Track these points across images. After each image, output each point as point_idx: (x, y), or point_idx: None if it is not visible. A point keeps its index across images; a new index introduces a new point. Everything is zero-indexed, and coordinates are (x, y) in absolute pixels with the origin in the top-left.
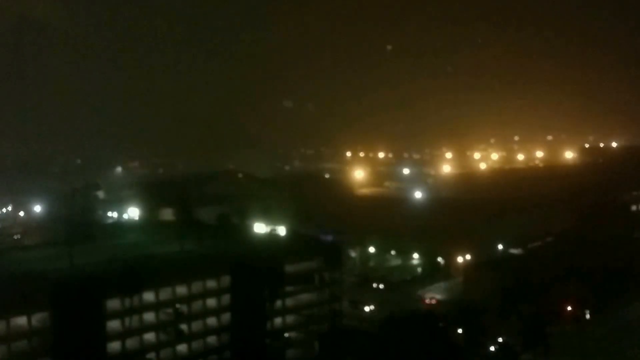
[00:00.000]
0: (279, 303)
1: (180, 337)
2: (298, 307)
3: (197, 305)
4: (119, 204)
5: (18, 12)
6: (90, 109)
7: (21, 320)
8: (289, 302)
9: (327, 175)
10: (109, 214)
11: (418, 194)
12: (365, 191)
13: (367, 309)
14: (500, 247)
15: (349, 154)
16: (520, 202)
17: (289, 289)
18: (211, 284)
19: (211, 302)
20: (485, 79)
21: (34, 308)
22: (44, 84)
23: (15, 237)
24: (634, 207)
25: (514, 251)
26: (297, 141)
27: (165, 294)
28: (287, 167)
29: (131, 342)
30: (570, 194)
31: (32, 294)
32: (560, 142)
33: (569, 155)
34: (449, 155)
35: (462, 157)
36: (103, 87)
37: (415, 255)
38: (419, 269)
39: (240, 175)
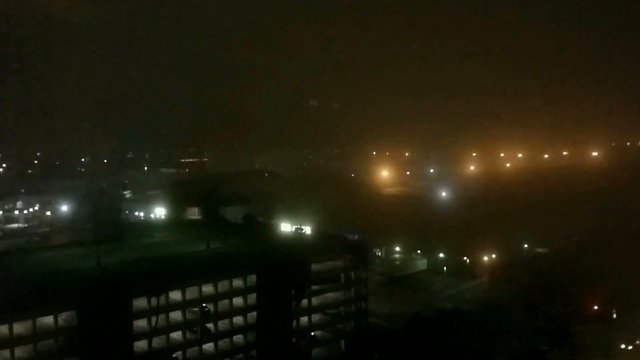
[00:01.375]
0: (305, 302)
1: (207, 336)
2: (324, 306)
3: (223, 304)
4: (146, 203)
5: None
6: (118, 109)
7: (48, 320)
8: (315, 301)
9: (352, 175)
10: (136, 213)
11: (443, 193)
12: (390, 190)
13: (392, 307)
14: (526, 246)
15: (374, 153)
16: (546, 201)
17: (315, 287)
18: (237, 282)
19: (237, 301)
20: (512, 76)
21: (61, 307)
22: (72, 83)
23: (42, 236)
24: None
25: (540, 250)
26: (323, 141)
27: (191, 293)
28: (312, 167)
29: (158, 341)
30: (597, 193)
31: (59, 293)
32: (587, 141)
33: (595, 154)
34: (473, 154)
35: (487, 156)
36: (131, 87)
37: (441, 255)
38: (445, 268)
39: (266, 175)
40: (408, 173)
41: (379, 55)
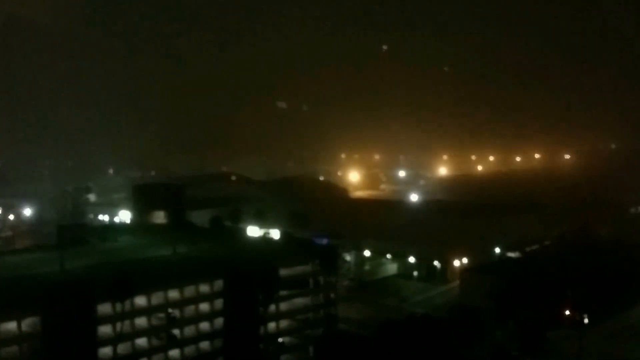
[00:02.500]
0: (273, 307)
1: (173, 342)
2: (292, 312)
3: (189, 309)
4: (111, 207)
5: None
6: (82, 111)
7: (11, 325)
8: (283, 306)
9: (322, 178)
10: (100, 217)
11: (414, 197)
12: (360, 194)
13: (362, 313)
14: (497, 250)
15: (344, 156)
16: (518, 205)
17: (283, 293)
18: (204, 288)
19: (204, 306)
20: (483, 80)
21: (24, 312)
22: (35, 85)
23: (5, 240)
24: (632, 210)
25: (511, 255)
26: (292, 143)
27: (157, 298)
28: (281, 170)
29: (123, 347)
30: (569, 196)
31: (22, 298)
32: (559, 145)
33: (567, 157)
34: (445, 157)
35: (458, 159)
36: (95, 88)
37: (411, 259)
38: (415, 273)
39: (233, 178)
40: (378, 176)
41: (351, 58)
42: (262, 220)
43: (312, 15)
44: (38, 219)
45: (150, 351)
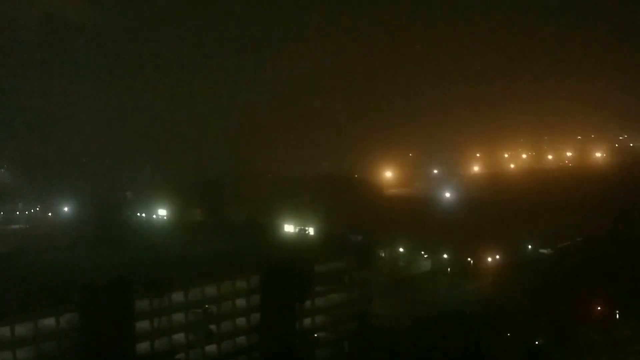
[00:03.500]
0: (308, 303)
1: (210, 338)
2: (327, 307)
3: (226, 305)
4: (148, 204)
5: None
6: (121, 108)
7: (49, 321)
8: (319, 302)
9: (356, 175)
10: (138, 214)
11: (447, 194)
12: (394, 191)
13: (396, 309)
14: (529, 247)
15: (378, 153)
16: (550, 202)
17: (318, 289)
18: (240, 284)
19: (240, 302)
20: (514, 77)
21: (63, 309)
22: (72, 83)
23: (43, 237)
24: None
25: (543, 251)
26: (327, 141)
27: (194, 294)
28: (316, 168)
29: (160, 343)
30: (600, 194)
31: (60, 294)
32: (590, 142)
33: (599, 155)
34: (478, 154)
35: (491, 156)
36: (131, 85)
37: (445, 256)
38: (449, 269)
39: (269, 176)
40: (412, 174)
41: (382, 55)
42: (298, 217)
43: (335, 13)
44: (76, 216)
45: (187, 346)
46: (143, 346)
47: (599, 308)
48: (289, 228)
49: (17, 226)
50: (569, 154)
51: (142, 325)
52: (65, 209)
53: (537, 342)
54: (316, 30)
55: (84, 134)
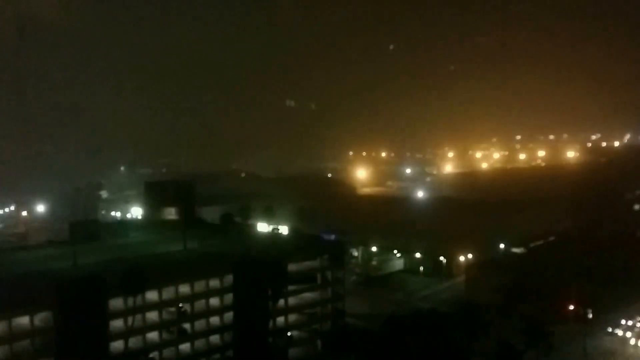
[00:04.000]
0: (281, 302)
1: (183, 336)
2: (301, 306)
3: (200, 304)
4: (122, 203)
5: (20, 11)
6: (94, 109)
7: (24, 320)
8: (292, 301)
9: (329, 175)
10: (112, 213)
11: (420, 193)
12: (367, 190)
13: (369, 307)
14: (502, 246)
15: (351, 153)
16: (523, 201)
17: (291, 287)
18: (214, 283)
19: (214, 301)
20: (487, 78)
21: (37, 307)
22: (47, 83)
23: (18, 236)
24: (636, 206)
25: (516, 250)
26: (300, 141)
27: (168, 293)
28: (290, 167)
29: (134, 341)
30: (573, 193)
31: (34, 293)
32: (563, 142)
33: (571, 154)
34: (450, 154)
35: (464, 156)
36: (107, 86)
37: (418, 255)
38: (421, 268)
39: (243, 175)
40: (385, 173)
41: (358, 56)
42: (271, 216)
43: (321, 13)
44: (51, 215)
45: (161, 345)
46: (117, 345)
47: (571, 307)
48: (262, 227)
49: None
50: (541, 153)
51: (116, 324)
52: (40, 208)
53: (509, 341)
54: (294, 28)
55: (60, 134)
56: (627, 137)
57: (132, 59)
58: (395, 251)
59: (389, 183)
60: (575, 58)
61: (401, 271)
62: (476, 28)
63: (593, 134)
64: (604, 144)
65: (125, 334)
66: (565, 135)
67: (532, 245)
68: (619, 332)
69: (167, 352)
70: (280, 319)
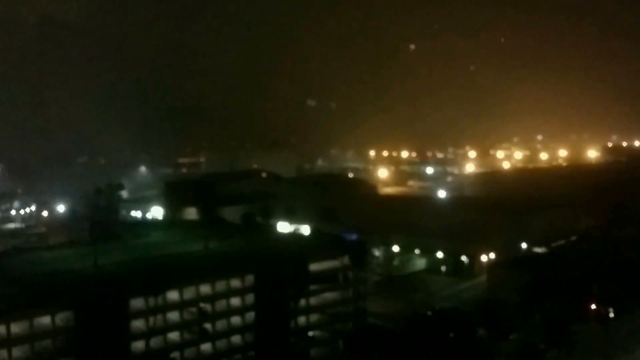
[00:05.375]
0: (303, 302)
1: (205, 336)
2: (322, 306)
3: (221, 304)
4: (143, 203)
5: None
6: (115, 109)
7: (45, 320)
8: (313, 300)
9: (350, 175)
10: (133, 213)
11: (441, 193)
12: (388, 190)
13: (390, 307)
14: (524, 245)
15: (372, 153)
16: (544, 201)
17: (313, 287)
18: (235, 283)
19: (235, 301)
20: (509, 78)
21: (58, 307)
22: (69, 83)
23: (39, 236)
24: None
25: (537, 250)
26: (321, 141)
27: (189, 293)
28: (310, 167)
29: (155, 342)
30: (594, 193)
31: (55, 293)
32: (584, 141)
33: (592, 154)
34: (472, 154)
35: (485, 156)
36: (128, 86)
37: (439, 254)
38: (443, 268)
39: (264, 175)
40: (406, 173)
41: (378, 55)
42: (292, 216)
43: (342, 11)
44: (71, 215)
45: (182, 345)
46: (138, 345)
47: (593, 307)
48: (283, 227)
49: (13, 225)
50: (562, 153)
51: (137, 324)
52: (61, 208)
53: (531, 341)
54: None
55: (79, 134)
56: None
57: (151, 57)
58: (416, 251)
59: (410, 183)
60: (597, 58)
61: (423, 271)
62: (497, 27)
63: (614, 134)
64: (624, 144)
65: (146, 334)
66: (586, 135)
67: (553, 244)
68: None
69: (188, 352)
70: (302, 319)
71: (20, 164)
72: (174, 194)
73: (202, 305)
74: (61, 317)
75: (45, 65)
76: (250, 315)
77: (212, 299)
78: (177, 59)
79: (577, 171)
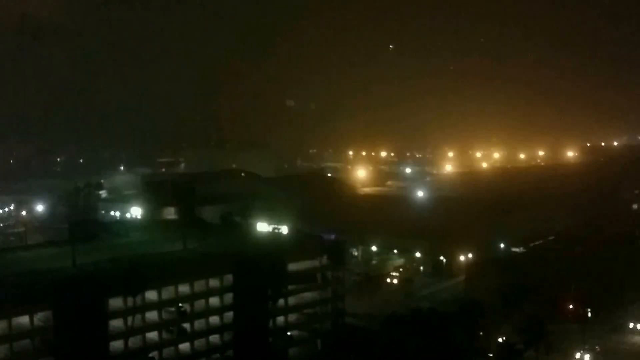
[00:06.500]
0: (281, 301)
1: (183, 336)
2: (301, 306)
3: (199, 303)
4: (122, 203)
5: (20, 11)
6: (94, 108)
7: (23, 320)
8: (292, 300)
9: (329, 175)
10: (112, 213)
11: (420, 193)
12: (367, 190)
13: (369, 307)
14: (502, 245)
15: (351, 153)
16: (522, 201)
17: (291, 287)
18: (214, 282)
19: (214, 300)
20: (487, 78)
21: (36, 307)
22: (46, 82)
23: (17, 236)
24: (635, 206)
25: (515, 250)
26: (300, 140)
27: (168, 292)
28: (289, 167)
29: (134, 341)
30: (572, 192)
31: (34, 293)
32: (562, 142)
33: (571, 154)
34: (450, 154)
35: (463, 156)
36: (106, 85)
37: (418, 254)
38: (422, 268)
39: (243, 175)
40: (385, 173)
41: (356, 56)
42: (271, 216)
43: (322, 12)
44: (50, 215)
45: (161, 345)
46: (116, 345)
47: (571, 306)
48: (262, 227)
49: None
50: (541, 153)
51: (116, 323)
52: (40, 207)
53: (509, 340)
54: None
55: (58, 133)
56: (625, 137)
57: (131, 57)
58: (395, 250)
59: (389, 183)
60: (573, 59)
61: (401, 271)
62: (476, 29)
63: (592, 134)
64: (602, 144)
65: (124, 334)
66: (564, 135)
67: (531, 244)
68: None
69: (166, 351)
70: (280, 319)
71: None
72: (153, 194)
73: (180, 305)
74: (40, 317)
75: (24, 63)
76: (229, 315)
77: (190, 298)
78: (157, 59)
79: (555, 171)
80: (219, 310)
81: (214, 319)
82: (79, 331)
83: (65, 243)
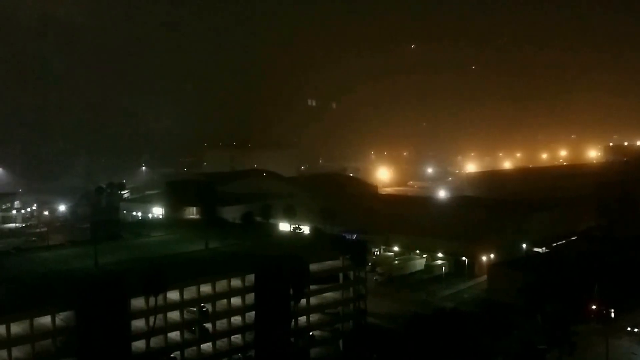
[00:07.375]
0: (303, 302)
1: (205, 336)
2: (322, 306)
3: (221, 303)
4: (144, 203)
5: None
6: (117, 109)
7: (45, 320)
8: (314, 300)
9: (351, 174)
10: (134, 212)
11: (442, 193)
12: (389, 190)
13: (391, 307)
14: (524, 246)
15: (373, 153)
16: (545, 201)
17: (313, 287)
18: (236, 282)
19: (236, 300)
20: (509, 78)
21: (58, 307)
22: (70, 85)
23: (39, 236)
24: None
25: (538, 250)
26: (322, 141)
27: (189, 292)
28: (311, 166)
29: (155, 341)
30: (595, 192)
31: (56, 293)
32: (584, 141)
33: (593, 154)
34: (472, 154)
35: (485, 155)
36: (129, 86)
37: (440, 255)
38: (444, 268)
39: (264, 175)
40: (407, 173)
41: (379, 56)
42: (293, 216)
43: (346, 14)
44: (72, 215)
45: (182, 345)
46: (138, 344)
47: (594, 307)
48: (284, 227)
49: (13, 225)
50: (563, 152)
51: (138, 323)
52: (62, 207)
53: (532, 341)
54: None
55: (82, 134)
56: None
57: (156, 58)
58: (417, 251)
59: (411, 183)
60: (597, 58)
61: (423, 271)
62: (498, 29)
63: (615, 134)
64: (625, 143)
65: (146, 334)
66: (587, 135)
67: (554, 245)
68: None
69: (188, 351)
70: (302, 319)
71: (22, 163)
72: (175, 194)
73: (202, 305)
74: (62, 317)
75: (46, 65)
76: (251, 315)
77: (212, 298)
78: (181, 59)
79: (577, 171)
80: (241, 310)
81: (236, 319)
82: (101, 331)
83: (87, 243)
